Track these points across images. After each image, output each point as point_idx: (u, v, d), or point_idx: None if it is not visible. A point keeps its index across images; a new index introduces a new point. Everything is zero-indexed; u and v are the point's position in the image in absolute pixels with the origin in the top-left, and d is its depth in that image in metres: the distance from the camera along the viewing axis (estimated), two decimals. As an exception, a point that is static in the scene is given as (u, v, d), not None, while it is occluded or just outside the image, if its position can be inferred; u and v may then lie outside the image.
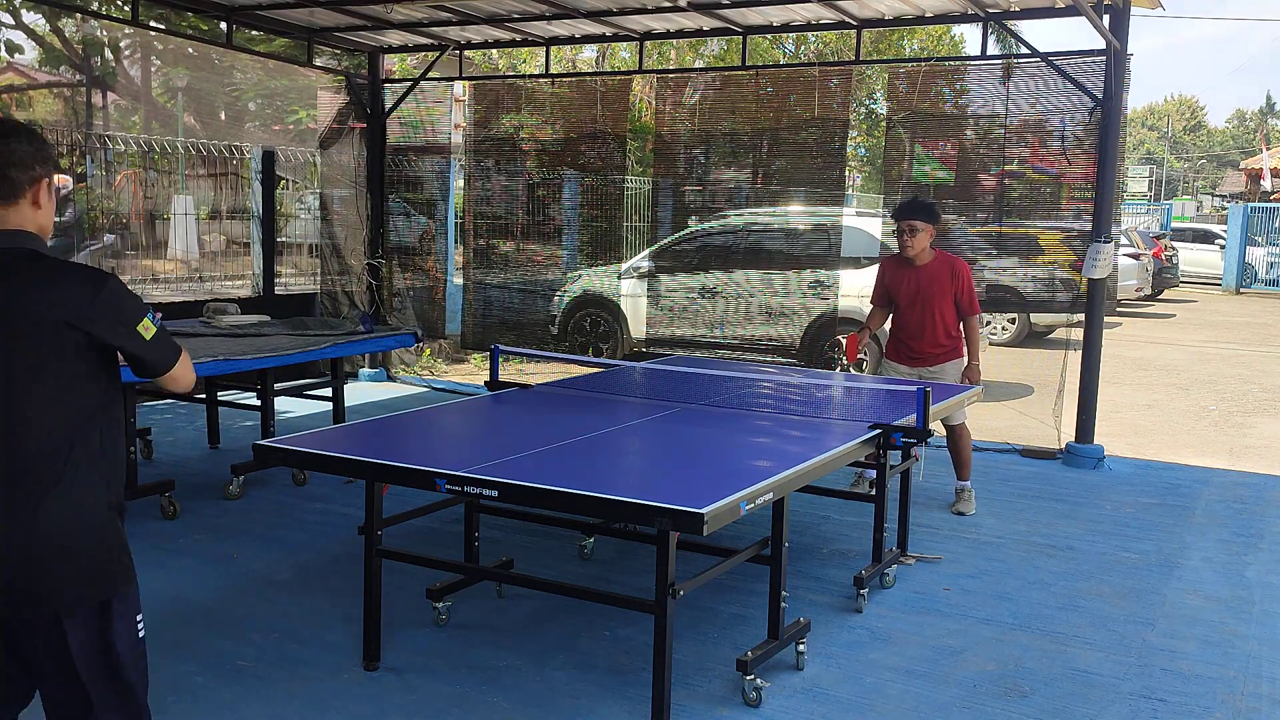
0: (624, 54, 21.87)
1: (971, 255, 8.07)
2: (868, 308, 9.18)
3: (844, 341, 6.19)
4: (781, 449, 4.23)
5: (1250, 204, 28.44)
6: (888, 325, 6.61)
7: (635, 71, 11.02)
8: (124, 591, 2.49)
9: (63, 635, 2.41)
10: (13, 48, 17.25)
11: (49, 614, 2.39)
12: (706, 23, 8.71)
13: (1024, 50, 7.86)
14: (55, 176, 2.56)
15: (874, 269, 9.08)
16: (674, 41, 19.70)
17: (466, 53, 10.18)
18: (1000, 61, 7.99)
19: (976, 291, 6.34)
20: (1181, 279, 25.86)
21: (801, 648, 4.18)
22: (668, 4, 8.13)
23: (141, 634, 2.56)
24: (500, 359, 5.57)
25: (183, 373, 2.61)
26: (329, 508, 6.21)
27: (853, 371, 6.15)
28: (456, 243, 11.53)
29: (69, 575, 2.39)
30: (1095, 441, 7.72)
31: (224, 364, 5.97)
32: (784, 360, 9.08)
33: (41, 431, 2.36)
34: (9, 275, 2.37)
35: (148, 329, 2.48)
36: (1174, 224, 33.31)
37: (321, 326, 7.50)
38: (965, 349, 6.30)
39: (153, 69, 19.65)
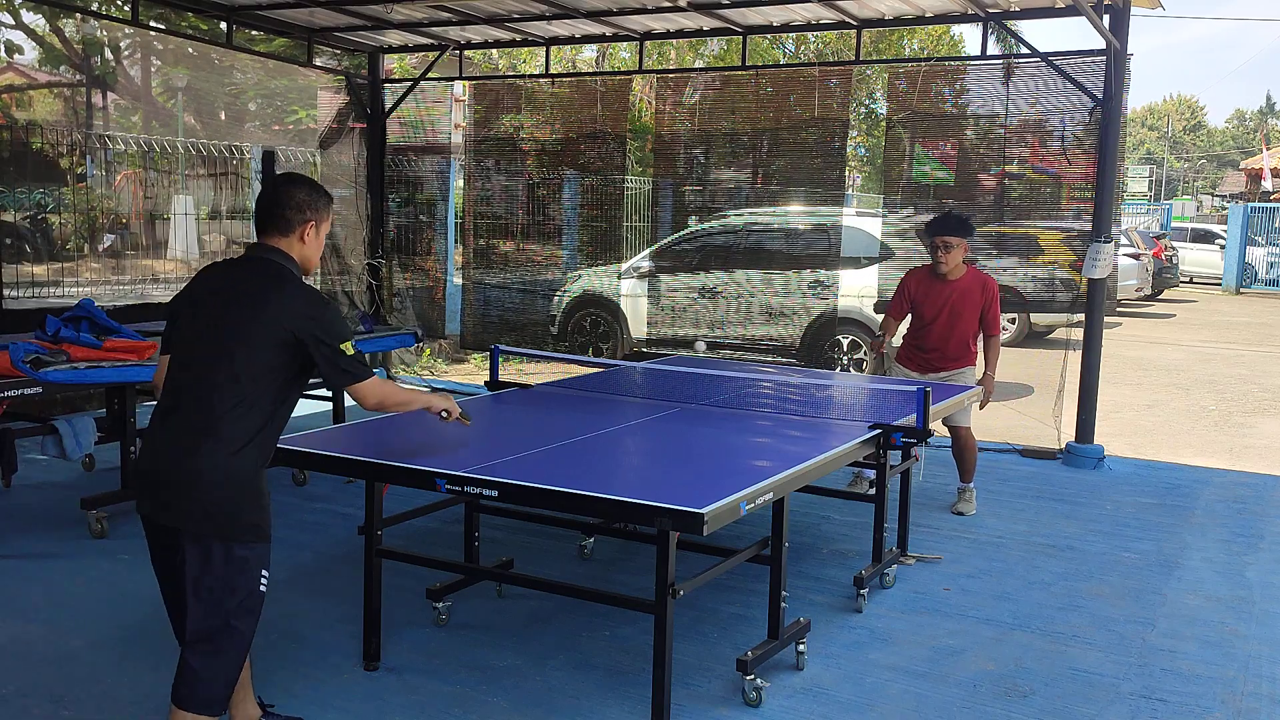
0: (624, 54, 21.86)
1: (971, 255, 8.06)
2: (868, 308, 9.25)
3: (871, 345, 6.22)
4: (781, 449, 4.23)
5: (1250, 204, 28.43)
6: (902, 328, 6.60)
7: (635, 71, 11.01)
8: (240, 542, 2.94)
9: (184, 553, 2.92)
10: (13, 48, 17.27)
11: (180, 531, 2.92)
12: (706, 23, 8.72)
13: (1024, 50, 7.86)
14: (325, 222, 3.21)
15: (874, 269, 9.13)
16: (674, 41, 19.70)
17: (466, 53, 10.17)
18: (1000, 61, 7.99)
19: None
20: (1181, 279, 25.87)
21: (801, 648, 4.18)
22: (668, 4, 8.13)
23: (260, 587, 3.00)
24: (500, 359, 5.57)
25: (370, 389, 3.19)
26: (329, 508, 6.21)
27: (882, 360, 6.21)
28: (456, 243, 11.53)
29: (202, 508, 2.90)
30: (1095, 441, 7.72)
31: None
32: (784, 360, 9.09)
33: (229, 393, 2.93)
34: (256, 275, 3.07)
35: (348, 349, 3.08)
36: (1174, 224, 33.31)
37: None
38: (982, 361, 6.36)
39: (153, 69, 19.66)
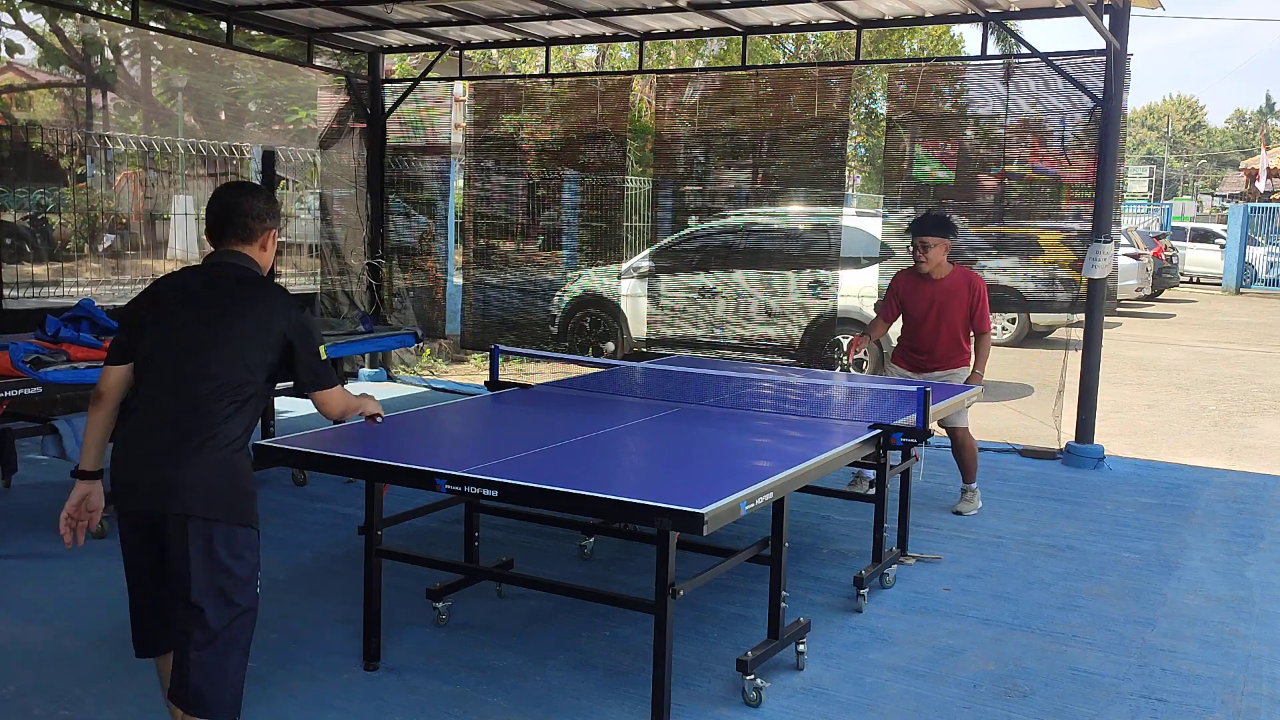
0: (624, 54, 21.87)
1: (971, 255, 8.07)
2: (868, 308, 9.25)
3: (845, 343, 6.22)
4: (781, 449, 4.23)
5: (1250, 204, 28.44)
6: (894, 330, 6.60)
7: (635, 71, 11.01)
8: (235, 523, 2.96)
9: (185, 541, 2.90)
10: (13, 48, 17.27)
11: (179, 513, 2.90)
12: (706, 23, 8.71)
13: (1024, 50, 7.86)
14: (279, 225, 3.30)
15: (874, 269, 9.13)
16: (674, 41, 19.70)
17: (466, 53, 10.17)
18: (1000, 61, 7.99)
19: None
20: (1181, 279, 25.87)
21: (801, 648, 4.18)
22: (668, 4, 8.13)
23: (246, 570, 3.00)
24: (500, 359, 5.57)
25: (337, 398, 3.31)
26: (329, 508, 6.22)
27: (851, 370, 6.17)
28: (456, 243, 11.53)
29: (200, 492, 2.91)
30: (1095, 441, 7.72)
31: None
32: (784, 360, 9.08)
33: (216, 392, 2.98)
34: (235, 280, 3.12)
35: (323, 353, 3.20)
36: (1174, 224, 33.31)
37: (322, 326, 7.49)
38: (972, 360, 6.33)
39: (153, 69, 19.67)
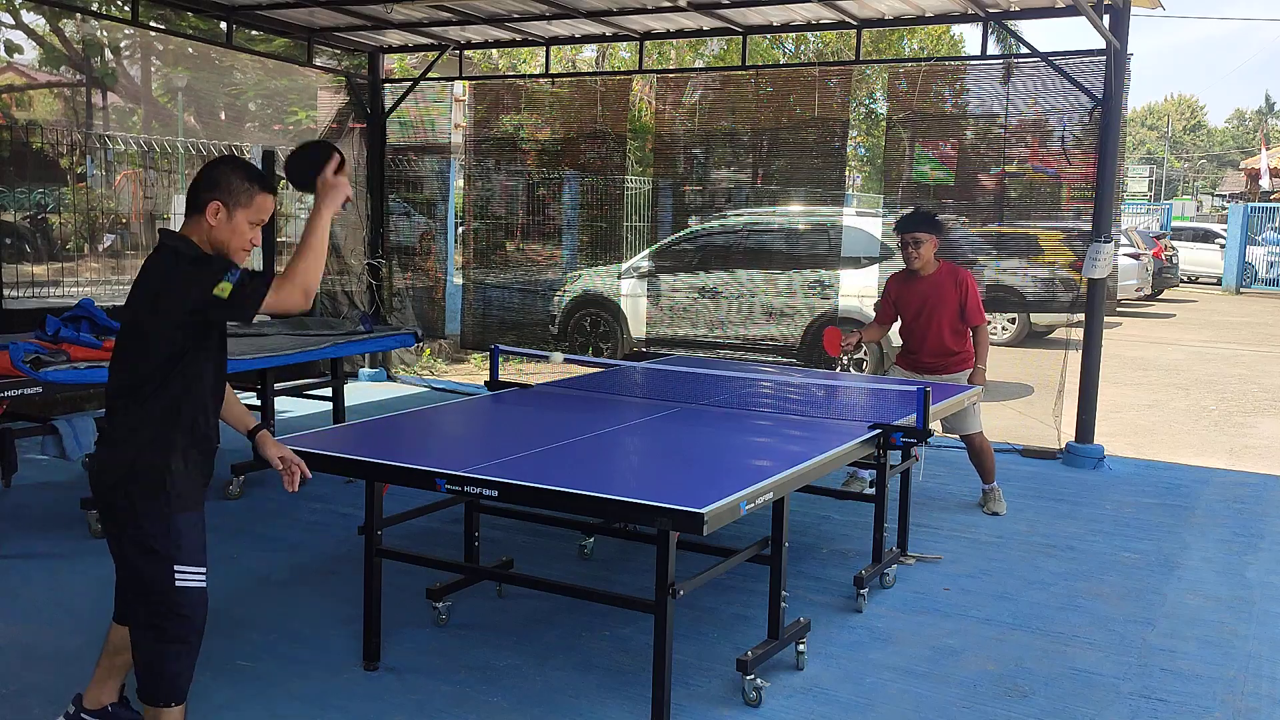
0: (624, 54, 21.87)
1: (972, 255, 8.07)
2: (868, 308, 9.25)
3: (825, 334, 6.17)
4: (781, 449, 4.23)
5: (1250, 204, 28.43)
6: (894, 333, 6.61)
7: (635, 71, 11.01)
8: (154, 515, 3.00)
9: (108, 522, 3.08)
10: (13, 48, 17.28)
11: (109, 500, 3.04)
12: (706, 23, 8.71)
13: (1024, 50, 7.86)
14: (241, 207, 3.03)
15: (874, 269, 9.14)
16: (674, 41, 19.70)
17: (466, 53, 10.18)
18: (1000, 61, 7.99)
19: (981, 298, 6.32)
20: (1181, 279, 25.86)
21: (801, 648, 4.18)
22: (668, 4, 8.13)
23: (166, 555, 3.00)
24: (500, 359, 5.57)
25: (277, 300, 2.96)
26: (329, 508, 6.21)
27: (850, 370, 6.15)
28: (456, 242, 11.53)
29: (109, 484, 3.03)
30: (1095, 441, 7.72)
31: (224, 364, 5.95)
32: (784, 360, 9.08)
33: (138, 367, 3.00)
34: (156, 255, 3.03)
35: (224, 290, 2.90)
36: (1174, 223, 33.30)
37: (321, 326, 7.50)
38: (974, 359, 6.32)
39: (153, 69, 19.68)
